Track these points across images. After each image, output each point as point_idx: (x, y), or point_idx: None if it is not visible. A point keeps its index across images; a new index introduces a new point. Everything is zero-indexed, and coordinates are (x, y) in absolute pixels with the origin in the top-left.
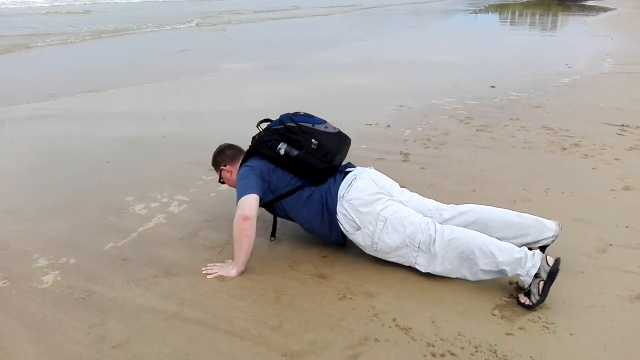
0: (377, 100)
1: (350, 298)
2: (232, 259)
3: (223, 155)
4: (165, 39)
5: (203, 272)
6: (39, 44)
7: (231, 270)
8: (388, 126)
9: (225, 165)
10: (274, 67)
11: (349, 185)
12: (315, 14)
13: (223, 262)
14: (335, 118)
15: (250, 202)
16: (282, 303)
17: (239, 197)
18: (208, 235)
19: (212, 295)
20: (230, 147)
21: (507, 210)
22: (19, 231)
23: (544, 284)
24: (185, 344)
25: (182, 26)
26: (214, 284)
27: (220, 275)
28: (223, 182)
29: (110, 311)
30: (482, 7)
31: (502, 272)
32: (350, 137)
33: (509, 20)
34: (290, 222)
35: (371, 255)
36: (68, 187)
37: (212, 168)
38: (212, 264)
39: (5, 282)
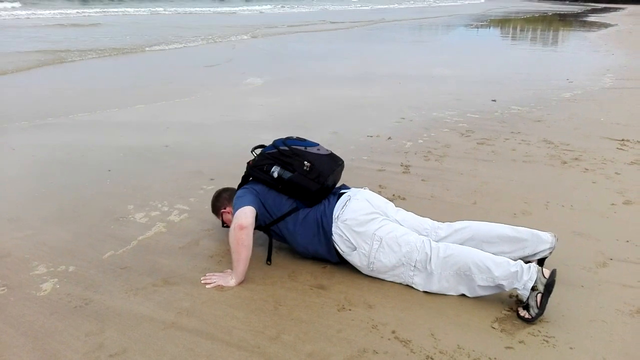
0: (379, 113)
1: (350, 309)
2: (231, 269)
3: (221, 199)
4: (195, 53)
5: (202, 282)
6: (70, 59)
7: (230, 280)
8: (389, 138)
9: (225, 208)
10: (284, 80)
11: (344, 206)
12: (339, 28)
13: (222, 271)
14: (337, 129)
15: (246, 213)
16: (280, 313)
17: (234, 212)
18: (208, 245)
19: (211, 305)
20: (225, 190)
21: (502, 224)
22: (19, 239)
23: (542, 297)
24: (182, 354)
25: (220, 40)
26: (212, 293)
27: (219, 285)
28: (227, 226)
29: (108, 320)
30: (484, 22)
31: (499, 286)
32: (342, 159)
33: (510, 35)
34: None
35: None
36: (69, 195)
37: (214, 214)
38: (211, 274)
39: (4, 290)
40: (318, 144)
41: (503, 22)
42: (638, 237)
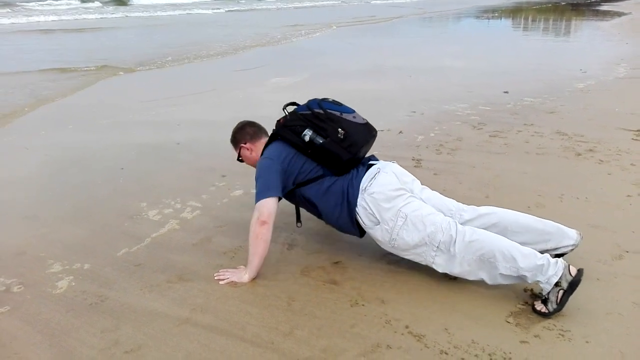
0: (389, 107)
1: (363, 305)
2: (245, 265)
3: (243, 132)
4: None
5: (215, 278)
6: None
7: (243, 276)
8: (400, 132)
9: (245, 143)
10: (297, 75)
11: (372, 178)
12: (378, 21)
13: (235, 268)
14: None
15: (269, 207)
16: (293, 309)
17: (257, 197)
18: (221, 241)
19: (224, 301)
20: (251, 124)
21: (528, 214)
22: (35, 237)
23: (564, 294)
24: (197, 350)
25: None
26: (226, 289)
27: (232, 281)
28: (242, 160)
29: (123, 316)
30: (495, 13)
31: (521, 277)
32: (376, 129)
33: (522, 26)
34: (302, 228)
35: (384, 262)
36: (83, 194)
37: (231, 145)
38: (225, 270)
39: (20, 288)
40: (354, 111)
41: (514, 12)
42: None
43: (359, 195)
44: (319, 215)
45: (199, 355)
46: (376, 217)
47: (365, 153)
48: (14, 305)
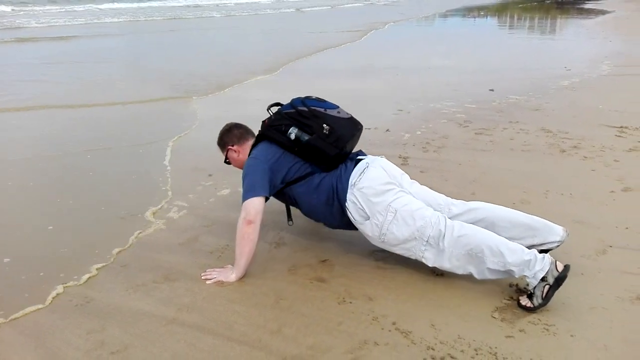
0: (376, 105)
1: (350, 302)
2: (232, 264)
3: (231, 135)
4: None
5: (202, 278)
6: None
7: (230, 275)
8: (387, 130)
9: (232, 145)
10: (285, 74)
11: (361, 173)
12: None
13: (222, 267)
14: None
15: (255, 206)
16: (281, 307)
17: (244, 197)
18: (207, 241)
19: (211, 300)
20: (238, 126)
21: (516, 210)
22: (21, 238)
23: (549, 289)
24: (184, 350)
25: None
26: (213, 289)
27: (219, 281)
28: (229, 163)
29: (110, 317)
30: (481, 12)
31: (509, 272)
32: (362, 124)
33: (507, 24)
34: (290, 226)
35: (371, 259)
36: (68, 194)
37: (218, 147)
38: (212, 269)
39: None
40: (338, 106)
41: (500, 10)
42: (638, 224)
43: (348, 190)
44: (309, 213)
45: (185, 355)
46: (366, 212)
47: (352, 148)
48: None
